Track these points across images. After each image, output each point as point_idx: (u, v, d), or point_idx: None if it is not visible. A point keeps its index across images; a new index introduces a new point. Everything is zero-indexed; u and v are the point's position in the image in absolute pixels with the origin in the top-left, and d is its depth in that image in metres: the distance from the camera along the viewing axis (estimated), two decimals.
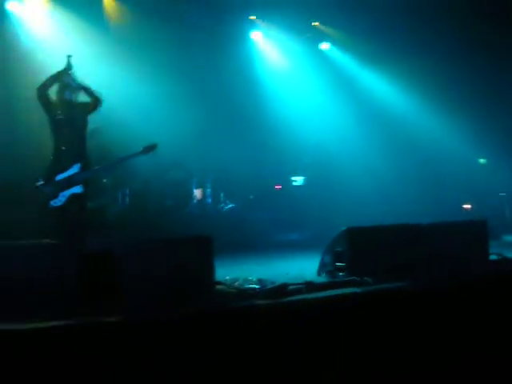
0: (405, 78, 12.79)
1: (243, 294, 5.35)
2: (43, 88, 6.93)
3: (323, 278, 6.24)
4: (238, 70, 12.15)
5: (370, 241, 6.43)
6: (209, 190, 11.60)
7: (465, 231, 7.14)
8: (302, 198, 12.38)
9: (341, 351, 4.91)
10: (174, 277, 5.30)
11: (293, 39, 13.14)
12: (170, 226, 9.89)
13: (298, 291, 5.38)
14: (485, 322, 5.61)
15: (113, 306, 4.73)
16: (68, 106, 6.97)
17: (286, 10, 12.19)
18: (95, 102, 7.14)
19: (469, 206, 12.79)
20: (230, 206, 11.71)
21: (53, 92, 7.04)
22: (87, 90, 7.13)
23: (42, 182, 6.80)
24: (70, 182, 6.82)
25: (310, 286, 5.52)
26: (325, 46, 13.66)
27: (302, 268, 7.01)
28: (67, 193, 6.80)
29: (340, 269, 6.26)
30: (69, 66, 7.01)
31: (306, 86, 13.36)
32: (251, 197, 12.05)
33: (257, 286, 5.57)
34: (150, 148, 7.25)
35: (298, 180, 12.91)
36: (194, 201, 11.35)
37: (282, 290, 5.34)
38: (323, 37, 13.59)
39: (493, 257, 7.24)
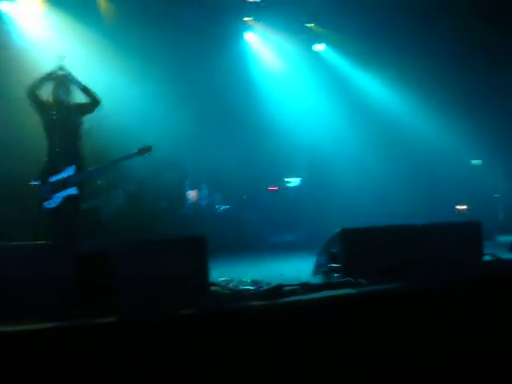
0: (399, 79, 12.80)
1: (238, 295, 5.35)
2: (33, 88, 6.90)
3: (318, 279, 6.23)
4: (232, 71, 12.14)
5: (364, 242, 6.44)
6: (203, 191, 11.59)
7: (459, 232, 7.16)
8: (296, 199, 12.40)
9: (336, 353, 4.91)
10: (168, 278, 5.29)
11: (287, 40, 13.14)
12: (164, 227, 9.89)
13: (293, 292, 5.37)
14: (479, 323, 5.62)
15: (108, 307, 4.73)
16: (62, 106, 6.96)
17: (280, 12, 12.19)
18: (94, 102, 7.11)
19: (463, 207, 12.82)
20: (225, 207, 11.71)
21: (47, 92, 7.03)
22: (87, 91, 7.11)
23: (36, 183, 6.79)
24: (64, 184, 6.81)
25: (305, 287, 5.52)
26: (319, 47, 13.67)
27: (297, 269, 7.01)
28: (62, 194, 6.78)
29: (335, 270, 6.26)
30: (60, 67, 6.99)
31: (300, 87, 13.36)
32: (245, 198, 12.06)
33: (252, 288, 5.56)
34: (145, 150, 7.24)
35: (293, 181, 12.91)
36: (189, 202, 11.34)
37: (277, 291, 5.33)
38: (317, 38, 13.59)
39: (487, 258, 7.26)
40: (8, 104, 9.04)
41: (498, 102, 12.68)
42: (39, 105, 6.93)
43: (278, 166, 12.61)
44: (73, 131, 6.98)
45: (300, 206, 11.94)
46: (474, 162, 13.55)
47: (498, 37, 12.04)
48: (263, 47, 13.34)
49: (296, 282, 5.64)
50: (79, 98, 7.18)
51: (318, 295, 5.34)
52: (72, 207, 6.84)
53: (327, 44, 13.60)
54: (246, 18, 12.72)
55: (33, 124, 7.21)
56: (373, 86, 13.49)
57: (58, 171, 6.82)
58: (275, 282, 5.65)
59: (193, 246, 5.68)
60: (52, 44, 9.66)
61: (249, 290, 5.49)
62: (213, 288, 5.63)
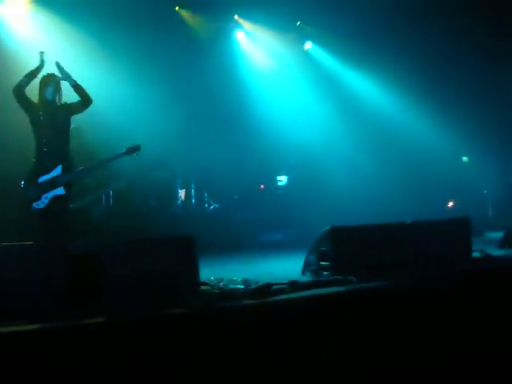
0: (390, 78, 12.85)
1: (227, 294, 5.34)
2: (19, 88, 6.84)
3: (307, 278, 6.25)
4: (222, 70, 12.15)
5: (353, 240, 6.46)
6: (193, 191, 11.59)
7: (448, 229, 7.19)
8: (286, 198, 12.41)
9: (326, 351, 4.92)
10: (158, 277, 5.29)
11: (277, 39, 13.16)
12: (154, 226, 9.89)
13: (282, 291, 5.37)
14: (468, 320, 5.65)
15: (98, 307, 4.72)
16: (50, 106, 6.91)
17: (271, 10, 12.20)
18: (85, 102, 7.06)
19: (452, 204, 12.88)
20: (214, 206, 11.71)
21: (35, 92, 6.99)
22: (79, 88, 7.06)
23: (24, 184, 6.76)
24: (52, 184, 6.77)
25: (293, 286, 5.52)
26: (309, 45, 13.69)
27: (286, 268, 7.03)
28: (50, 195, 6.75)
29: (324, 268, 6.27)
30: (42, 63, 6.96)
31: (290, 86, 13.38)
32: (235, 197, 12.07)
33: (241, 286, 5.56)
34: (134, 149, 7.21)
35: (283, 180, 12.93)
36: (179, 201, 11.33)
37: (266, 289, 5.33)
38: (308, 37, 13.61)
39: (476, 254, 7.29)
40: None
41: (488, 101, 12.75)
42: (26, 104, 6.88)
43: (268, 165, 12.62)
44: (61, 131, 6.93)
45: (290, 205, 11.95)
46: (464, 158, 13.63)
47: (487, 36, 12.10)
48: (253, 46, 13.35)
49: (285, 281, 5.63)
50: (69, 97, 7.14)
51: (306, 293, 5.34)
52: (60, 207, 6.80)
53: (318, 43, 13.64)
54: (236, 17, 12.73)
55: (22, 124, 7.17)
56: (364, 85, 13.54)
57: (46, 171, 6.79)
58: (264, 280, 5.65)
59: (183, 246, 5.68)
60: (40, 44, 9.61)
61: (238, 288, 5.49)
62: (203, 287, 5.63)
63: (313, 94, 13.21)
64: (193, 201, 11.61)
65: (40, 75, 6.99)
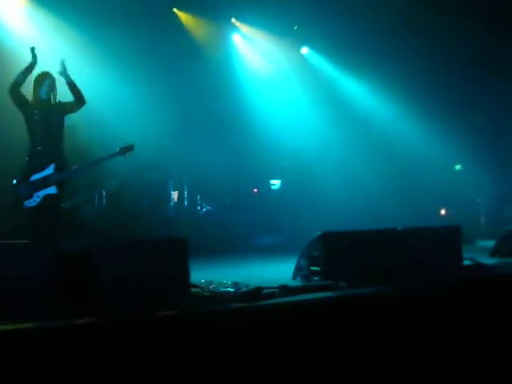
0: (386, 85, 12.89)
1: (217, 297, 5.34)
2: (15, 85, 6.83)
3: (298, 282, 6.25)
4: (218, 72, 12.16)
5: (344, 245, 6.45)
6: (186, 193, 11.58)
7: (439, 236, 7.19)
8: (279, 202, 12.42)
9: (315, 355, 4.92)
10: (149, 278, 5.28)
11: (274, 43, 13.18)
12: (146, 227, 9.88)
13: (272, 295, 5.36)
14: (458, 327, 5.66)
15: (88, 306, 4.71)
16: (44, 105, 6.91)
17: (268, 14, 12.22)
18: (79, 102, 7.05)
19: (444, 212, 12.91)
20: (207, 208, 11.70)
21: (30, 91, 6.98)
22: (74, 87, 7.05)
23: (16, 182, 6.75)
24: (45, 183, 6.76)
25: (284, 290, 5.51)
26: (305, 50, 13.72)
27: (277, 272, 7.02)
28: (42, 193, 6.74)
29: (315, 273, 6.27)
30: (35, 59, 6.93)
31: (286, 90, 13.41)
32: (228, 200, 12.07)
33: (231, 290, 5.55)
34: (127, 149, 7.20)
35: (276, 184, 12.94)
36: (171, 203, 11.32)
37: (257, 293, 5.32)
38: (304, 42, 13.63)
39: (466, 262, 7.30)
40: None
41: (482, 110, 12.79)
42: (21, 103, 6.88)
43: (261, 168, 12.62)
44: (54, 130, 6.92)
45: (282, 209, 11.96)
46: (457, 167, 13.67)
47: (484, 45, 12.14)
48: (250, 49, 13.37)
49: (276, 285, 5.63)
50: (64, 96, 7.13)
51: (296, 298, 5.34)
52: (52, 206, 6.79)
53: (314, 48, 13.66)
54: (233, 20, 12.75)
55: (16, 123, 7.16)
56: (359, 91, 13.58)
57: (39, 170, 6.78)
58: (255, 284, 5.65)
59: (174, 247, 5.66)
60: (36, 41, 9.59)
61: (228, 292, 5.49)
62: (193, 289, 5.62)
63: (308, 99, 13.24)
64: (185, 203, 11.59)
65: (35, 73, 6.99)
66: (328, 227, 6.96)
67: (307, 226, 9.62)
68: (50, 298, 4.78)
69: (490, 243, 8.82)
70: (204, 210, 11.67)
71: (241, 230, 10.89)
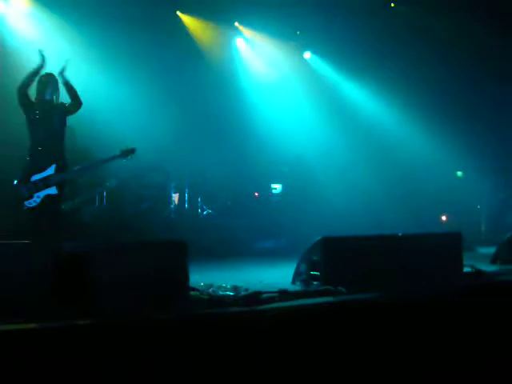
0: (387, 90, 12.90)
1: (216, 300, 5.32)
2: (23, 87, 6.87)
3: (297, 287, 6.23)
4: (220, 75, 12.18)
5: (345, 250, 6.42)
6: (186, 195, 11.57)
7: (439, 243, 7.16)
8: (280, 206, 12.40)
9: (313, 360, 4.91)
10: (148, 280, 5.26)
11: (277, 48, 13.19)
12: (146, 229, 9.87)
13: (272, 299, 5.34)
14: (458, 334, 5.65)
15: (86, 307, 4.69)
16: (47, 105, 6.92)
17: (271, 18, 12.23)
18: (76, 104, 7.07)
19: (445, 218, 12.89)
20: (208, 211, 11.69)
21: (33, 92, 7.00)
22: (72, 91, 7.06)
23: (17, 182, 6.75)
24: (46, 183, 6.77)
25: (283, 295, 5.50)
26: (308, 55, 13.73)
27: (276, 276, 7.01)
28: (42, 194, 6.74)
29: (315, 278, 6.25)
30: (43, 61, 6.95)
31: (288, 95, 13.42)
32: (229, 203, 12.05)
33: (230, 293, 5.54)
34: (128, 152, 7.22)
35: (277, 188, 12.93)
36: (172, 205, 11.31)
37: (256, 297, 5.31)
38: (307, 47, 13.64)
39: (466, 269, 7.27)
40: None
41: (484, 117, 12.78)
42: (26, 103, 6.90)
43: (262, 172, 12.61)
44: (56, 131, 6.94)
45: (283, 213, 11.95)
46: (459, 173, 13.66)
47: (488, 52, 12.14)
48: (253, 53, 13.38)
49: (275, 289, 5.61)
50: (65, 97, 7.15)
51: (296, 303, 5.33)
52: (52, 207, 6.80)
53: (317, 53, 13.67)
54: (237, 24, 12.76)
55: (18, 122, 7.17)
56: (361, 97, 13.57)
57: (40, 170, 6.78)
58: (255, 288, 5.63)
59: (174, 250, 5.64)
60: (40, 43, 9.62)
61: (228, 295, 5.47)
62: (192, 293, 5.60)
63: (310, 104, 13.24)
64: (186, 205, 11.59)
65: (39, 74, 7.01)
66: (329, 232, 6.95)
67: (308, 230, 9.61)
68: (49, 298, 4.76)
69: (490, 250, 8.81)
70: (205, 212, 11.66)
71: (241, 233, 10.88)
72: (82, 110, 7.13)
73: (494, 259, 8.38)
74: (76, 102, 7.05)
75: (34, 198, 6.73)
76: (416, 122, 12.69)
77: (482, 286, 6.68)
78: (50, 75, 7.01)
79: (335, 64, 13.48)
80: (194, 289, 5.66)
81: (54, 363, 4.02)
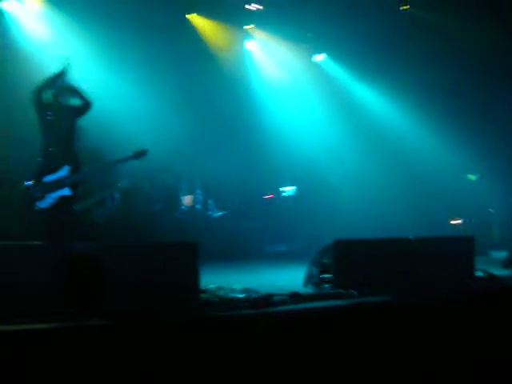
0: (397, 92, 12.86)
1: (227, 302, 5.32)
2: (40, 91, 6.90)
3: (309, 290, 6.22)
4: (232, 77, 12.19)
5: (356, 254, 6.40)
6: (199, 197, 11.58)
7: (452, 246, 7.12)
8: (292, 209, 12.39)
9: (324, 364, 4.90)
10: (158, 282, 5.26)
11: (288, 50, 13.19)
12: (158, 230, 9.88)
13: (283, 302, 5.34)
14: (470, 339, 5.62)
15: (98, 309, 4.70)
16: (58, 107, 6.95)
17: (283, 21, 12.23)
18: (85, 105, 7.10)
19: (457, 222, 12.82)
20: (220, 213, 11.69)
21: (47, 94, 7.02)
22: (78, 93, 7.10)
23: (29, 183, 6.78)
24: (58, 184, 6.79)
25: (294, 297, 5.49)
26: (319, 57, 13.71)
27: (288, 279, 7.00)
28: (55, 195, 6.77)
29: (326, 281, 6.24)
30: (66, 68, 6.97)
31: (299, 97, 13.41)
32: (241, 205, 12.04)
33: (241, 296, 5.54)
34: (141, 153, 7.25)
35: (289, 190, 12.91)
36: (183, 207, 11.32)
37: (267, 300, 5.30)
38: (319, 49, 13.62)
39: (479, 273, 7.23)
40: (8, 104, 9.06)
41: (497, 117, 12.70)
42: (40, 106, 6.94)
43: (274, 174, 12.61)
44: (68, 132, 6.97)
45: (295, 216, 11.93)
46: (471, 176, 13.56)
47: (499, 51, 12.07)
48: (263, 55, 13.38)
49: (286, 292, 5.61)
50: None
51: (307, 305, 5.32)
52: (65, 208, 6.83)
53: (327, 54, 13.65)
54: (246, 27, 12.77)
55: (30, 123, 7.21)
56: (372, 99, 13.53)
57: (52, 171, 6.81)
58: (266, 290, 5.63)
59: (185, 251, 5.63)
60: (53, 44, 9.70)
61: (238, 298, 5.47)
62: (203, 295, 5.60)
63: (322, 106, 13.22)
64: (197, 207, 11.59)
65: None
66: (340, 235, 6.93)
67: (319, 233, 9.60)
68: (61, 299, 4.78)
69: (502, 254, 8.76)
70: (216, 214, 11.65)
71: (253, 236, 10.88)
72: (94, 111, 7.15)
73: (507, 264, 8.33)
74: (85, 103, 7.08)
75: (47, 199, 6.76)
76: (428, 124, 12.63)
77: (494, 290, 6.64)
78: (62, 76, 7.03)
79: (347, 66, 13.45)
80: (204, 291, 5.67)
81: (65, 363, 4.03)
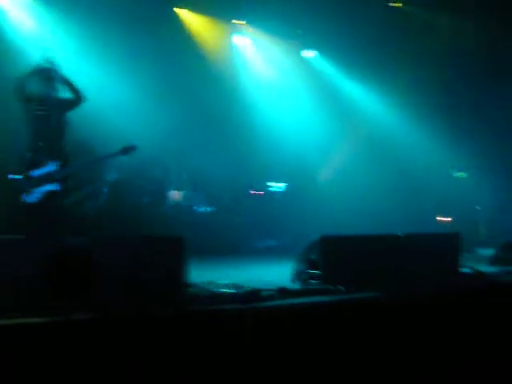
0: (388, 88, 12.89)
1: (215, 297, 5.32)
2: (21, 82, 6.87)
3: (297, 285, 6.23)
4: (219, 72, 12.17)
5: (344, 250, 6.42)
6: (186, 192, 11.56)
7: (438, 243, 7.16)
8: (280, 205, 12.40)
9: (310, 359, 4.92)
10: (146, 276, 5.25)
11: (277, 45, 13.17)
12: (145, 224, 9.86)
13: (271, 297, 5.35)
14: (456, 335, 5.66)
15: (84, 303, 4.69)
16: (46, 101, 6.92)
17: (271, 16, 12.22)
18: (77, 98, 7.09)
19: (444, 219, 12.88)
20: (207, 208, 11.68)
21: (32, 87, 6.99)
22: (70, 86, 7.08)
23: (17, 177, 6.75)
24: (46, 179, 6.77)
25: (282, 293, 5.51)
26: (308, 53, 13.71)
27: (276, 274, 7.00)
28: (43, 189, 6.75)
29: (314, 276, 6.26)
30: (46, 59, 6.95)
31: (288, 93, 13.40)
32: (229, 201, 12.03)
33: (229, 291, 5.54)
34: (129, 149, 7.24)
35: (278, 186, 12.92)
36: (170, 201, 11.30)
37: (254, 295, 5.32)
38: (308, 45, 13.62)
39: (465, 270, 7.28)
40: None
41: (486, 116, 12.76)
42: (24, 99, 6.90)
43: (263, 169, 12.61)
44: (56, 126, 6.95)
45: (284, 212, 11.95)
46: (459, 174, 13.62)
47: (488, 48, 12.12)
48: (252, 51, 13.36)
49: (274, 287, 5.61)
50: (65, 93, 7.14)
51: (294, 301, 5.34)
52: (53, 202, 6.81)
53: (317, 51, 13.65)
54: (235, 21, 12.74)
55: (17, 117, 7.17)
56: (360, 95, 13.56)
57: (40, 166, 6.79)
58: (254, 285, 5.64)
59: (172, 246, 5.62)
60: (39, 37, 9.65)
61: (227, 292, 5.48)
62: (191, 289, 5.60)
63: (311, 102, 13.23)
64: (186, 202, 11.58)
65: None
66: (328, 231, 6.95)
67: (307, 229, 9.62)
68: (48, 293, 4.76)
69: (489, 252, 8.81)
70: (204, 209, 11.65)
71: (241, 231, 10.88)
72: (81, 105, 7.13)
73: (493, 260, 8.39)
74: (77, 96, 7.06)
75: (35, 194, 6.73)
76: (417, 121, 12.68)
77: (481, 286, 6.69)
78: (49, 70, 7.00)
79: (337, 63, 13.45)
80: (193, 285, 5.67)
81: (53, 358, 4.02)
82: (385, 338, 5.34)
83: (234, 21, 12.73)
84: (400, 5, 12.16)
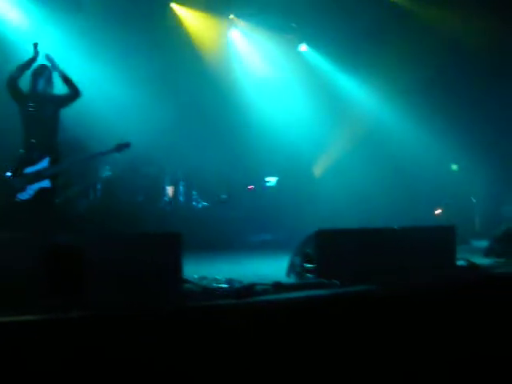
0: (383, 84, 12.87)
1: (210, 293, 5.32)
2: (12, 78, 6.84)
3: (291, 280, 6.24)
4: (215, 68, 12.14)
5: (339, 243, 6.42)
6: (181, 188, 11.56)
7: (433, 236, 7.17)
8: (275, 199, 12.40)
9: (306, 353, 4.92)
10: (141, 273, 5.24)
11: (272, 40, 13.15)
12: (140, 221, 9.86)
13: (265, 292, 5.35)
14: (451, 327, 5.66)
15: (79, 300, 4.68)
16: (40, 98, 6.90)
17: (267, 10, 12.19)
18: (74, 93, 7.06)
19: (439, 211, 12.90)
20: (203, 204, 11.68)
21: (26, 83, 6.97)
22: (68, 81, 7.05)
23: (9, 174, 6.74)
24: (39, 176, 6.75)
25: (277, 287, 5.51)
26: (303, 48, 13.69)
27: (271, 268, 7.02)
28: (35, 186, 6.73)
29: (309, 270, 6.26)
30: (36, 55, 6.94)
31: (283, 88, 13.39)
32: (224, 196, 12.03)
33: (224, 286, 5.54)
34: (123, 146, 7.22)
35: (272, 181, 12.92)
36: (166, 198, 11.30)
37: (249, 290, 5.31)
38: (303, 39, 13.60)
39: (460, 262, 7.29)
40: None
41: (481, 109, 12.76)
42: (18, 96, 6.88)
43: (257, 165, 12.60)
44: (49, 123, 6.92)
45: (279, 206, 11.95)
46: (454, 166, 13.66)
47: (483, 44, 12.11)
48: (247, 46, 13.34)
49: (269, 282, 5.62)
50: (60, 89, 7.12)
51: (289, 295, 5.34)
52: (46, 199, 6.79)
53: (312, 45, 13.63)
54: (231, 16, 12.71)
55: (10, 114, 7.14)
56: (357, 90, 13.55)
57: (33, 163, 6.77)
58: (249, 280, 5.64)
59: (168, 242, 5.63)
60: (33, 34, 9.58)
61: (221, 288, 5.48)
62: (186, 285, 5.60)
63: (306, 97, 13.21)
64: (181, 198, 11.58)
65: (32, 66, 6.98)
66: (323, 225, 6.94)
67: (302, 223, 9.62)
68: (42, 291, 4.75)
69: (484, 243, 8.83)
70: (199, 205, 11.65)
71: (236, 226, 10.88)
72: (75, 102, 7.10)
73: (488, 252, 8.40)
74: (74, 92, 7.04)
75: (27, 191, 6.72)
76: (413, 115, 12.67)
77: (475, 279, 6.70)
78: (43, 67, 6.98)
79: (332, 57, 13.43)
80: (187, 281, 5.66)
81: (45, 356, 4.01)
82: (380, 332, 5.33)
83: (231, 16, 12.68)
84: None
